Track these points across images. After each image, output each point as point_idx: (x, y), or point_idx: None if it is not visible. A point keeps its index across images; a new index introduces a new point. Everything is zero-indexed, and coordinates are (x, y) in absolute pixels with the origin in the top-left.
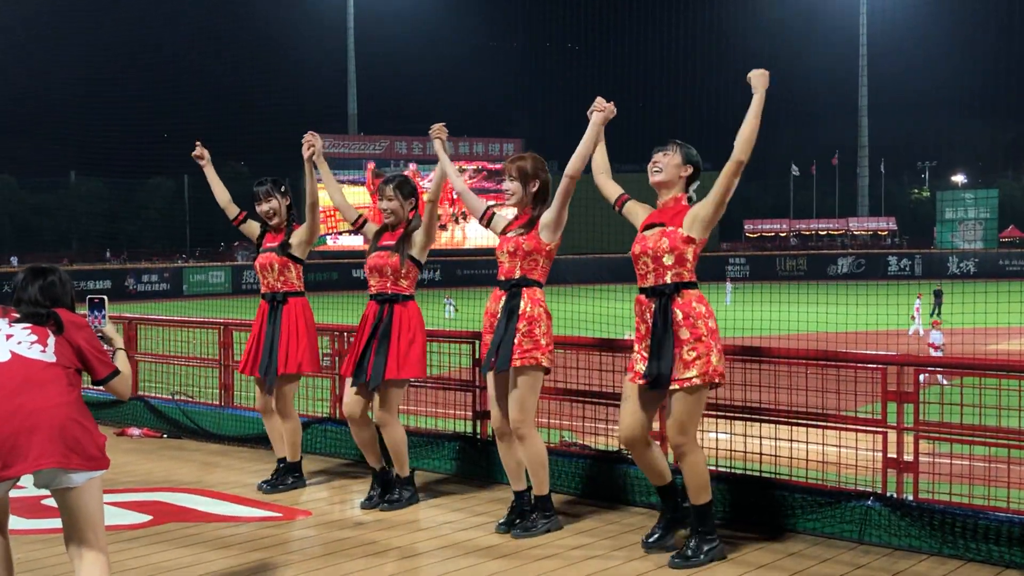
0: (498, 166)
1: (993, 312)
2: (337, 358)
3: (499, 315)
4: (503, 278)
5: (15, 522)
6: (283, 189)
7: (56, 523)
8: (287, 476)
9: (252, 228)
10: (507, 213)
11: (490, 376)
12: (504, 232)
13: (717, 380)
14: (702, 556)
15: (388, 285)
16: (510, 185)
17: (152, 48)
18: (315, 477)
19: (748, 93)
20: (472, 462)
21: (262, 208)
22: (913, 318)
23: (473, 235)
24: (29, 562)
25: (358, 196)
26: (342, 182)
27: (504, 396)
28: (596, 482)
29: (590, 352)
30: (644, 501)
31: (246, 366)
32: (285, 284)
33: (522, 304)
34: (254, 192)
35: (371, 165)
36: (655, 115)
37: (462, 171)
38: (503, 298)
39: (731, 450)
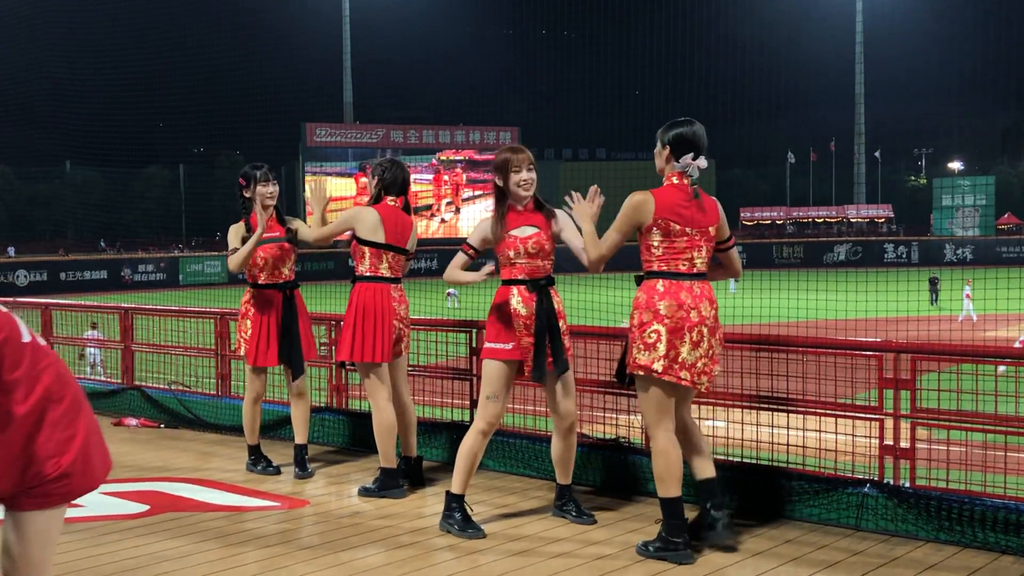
0: (485, 156)
1: (992, 299)
2: (333, 347)
3: (535, 318)
4: (526, 277)
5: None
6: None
7: None
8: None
9: (235, 232)
10: (487, 218)
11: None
12: (508, 231)
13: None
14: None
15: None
16: (530, 176)
17: (147, 37)
18: (312, 465)
19: (747, 82)
20: None
21: (268, 189)
22: (964, 305)
23: (467, 225)
24: None
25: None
26: (338, 174)
27: (558, 388)
28: (595, 470)
29: (587, 340)
30: (645, 489)
31: (261, 357)
32: (291, 272)
33: (555, 303)
34: (253, 175)
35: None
36: (651, 103)
37: (450, 162)
38: (535, 299)
39: (728, 437)
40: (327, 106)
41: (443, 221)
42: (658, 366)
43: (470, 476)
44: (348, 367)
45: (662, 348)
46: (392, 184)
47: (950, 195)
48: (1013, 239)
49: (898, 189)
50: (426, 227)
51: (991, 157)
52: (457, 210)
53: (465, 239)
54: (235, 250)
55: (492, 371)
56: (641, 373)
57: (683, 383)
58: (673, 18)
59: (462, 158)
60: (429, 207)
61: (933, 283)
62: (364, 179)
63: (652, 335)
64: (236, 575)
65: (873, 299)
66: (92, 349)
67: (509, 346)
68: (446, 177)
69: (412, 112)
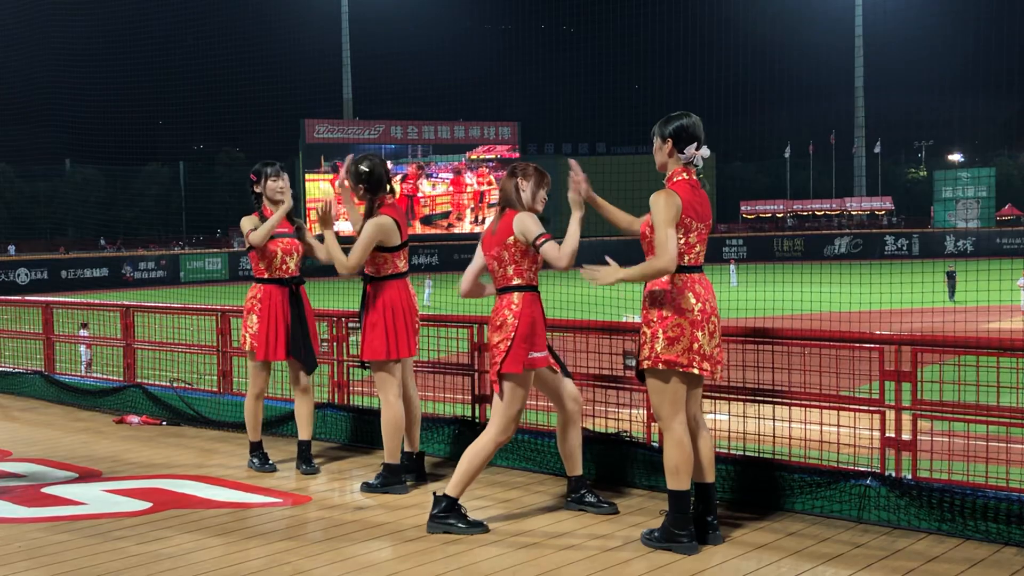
0: (514, 154)
1: (996, 290)
2: (334, 344)
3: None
4: (536, 284)
5: (15, 511)
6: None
7: (56, 512)
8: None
9: (250, 220)
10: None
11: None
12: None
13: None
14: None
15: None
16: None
17: (146, 33)
18: (315, 461)
19: (743, 75)
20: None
21: (277, 184)
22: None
23: (466, 221)
24: (30, 550)
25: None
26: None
27: (556, 383)
28: (596, 464)
29: (588, 335)
30: (646, 483)
31: (271, 351)
32: (297, 269)
33: None
34: (264, 171)
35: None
36: (651, 98)
37: (479, 160)
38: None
39: (731, 431)
40: (326, 102)
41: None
42: (683, 359)
43: (471, 484)
44: (367, 365)
45: (685, 341)
46: (379, 184)
47: (951, 187)
48: (1013, 230)
49: (898, 181)
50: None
51: (991, 148)
52: (481, 221)
53: (541, 233)
54: (254, 229)
55: (527, 381)
56: (662, 367)
57: (705, 373)
58: (672, 12)
59: (493, 156)
60: (447, 215)
61: (951, 276)
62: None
63: (675, 329)
64: (240, 571)
65: (878, 291)
66: (83, 347)
67: (545, 354)
68: (468, 179)
69: (411, 108)
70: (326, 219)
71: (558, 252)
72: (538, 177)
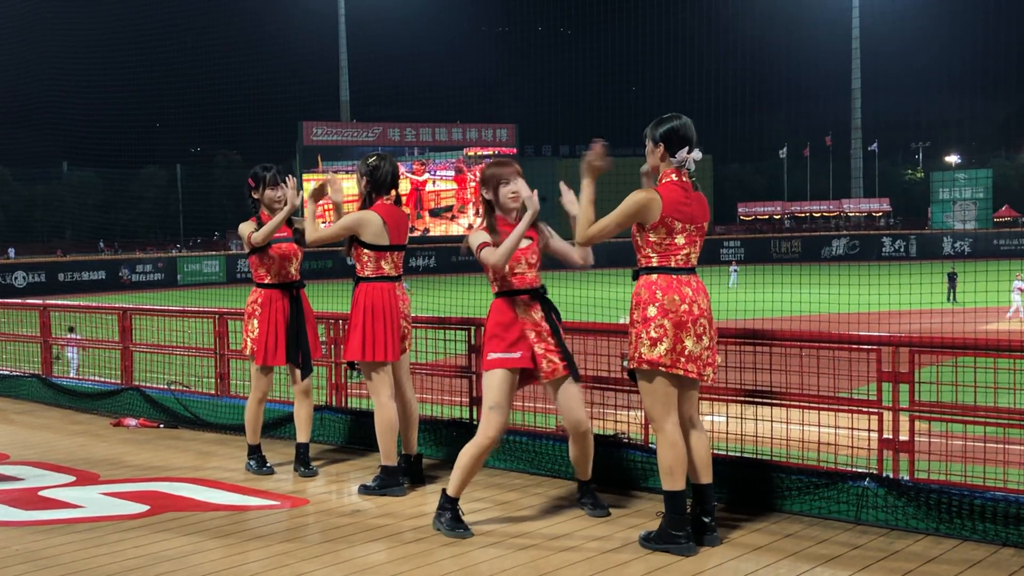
0: (511, 150)
1: (994, 291)
2: (333, 346)
3: (543, 324)
4: (528, 287)
5: (12, 514)
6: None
7: (54, 515)
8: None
9: (248, 226)
10: (478, 230)
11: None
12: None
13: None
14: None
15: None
16: (518, 188)
17: (143, 37)
18: (313, 464)
19: (740, 77)
20: None
21: (276, 194)
22: (1013, 298)
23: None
24: (28, 553)
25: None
26: (336, 172)
27: (566, 399)
28: (594, 466)
29: (586, 337)
30: (644, 485)
31: (270, 356)
32: (297, 272)
33: (556, 310)
34: (262, 176)
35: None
36: (648, 99)
37: (477, 158)
38: (539, 307)
39: (727, 432)
40: (324, 105)
41: (470, 227)
42: (666, 360)
43: (468, 482)
44: (355, 366)
45: (668, 342)
46: (383, 183)
47: (948, 188)
48: (1010, 232)
49: (896, 183)
50: (445, 230)
51: (988, 150)
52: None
53: (480, 243)
54: (256, 230)
55: (495, 381)
56: (647, 368)
57: (690, 375)
58: (669, 13)
59: (491, 153)
60: (450, 208)
61: (951, 278)
62: None
63: (657, 330)
64: (238, 574)
65: (875, 293)
66: (71, 351)
67: (518, 355)
68: (471, 176)
69: (409, 110)
70: (319, 192)
71: (491, 255)
72: (492, 178)
